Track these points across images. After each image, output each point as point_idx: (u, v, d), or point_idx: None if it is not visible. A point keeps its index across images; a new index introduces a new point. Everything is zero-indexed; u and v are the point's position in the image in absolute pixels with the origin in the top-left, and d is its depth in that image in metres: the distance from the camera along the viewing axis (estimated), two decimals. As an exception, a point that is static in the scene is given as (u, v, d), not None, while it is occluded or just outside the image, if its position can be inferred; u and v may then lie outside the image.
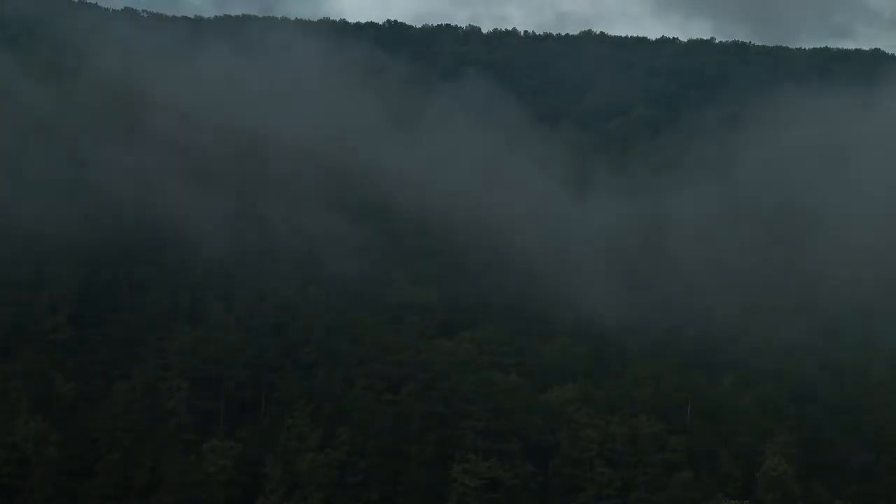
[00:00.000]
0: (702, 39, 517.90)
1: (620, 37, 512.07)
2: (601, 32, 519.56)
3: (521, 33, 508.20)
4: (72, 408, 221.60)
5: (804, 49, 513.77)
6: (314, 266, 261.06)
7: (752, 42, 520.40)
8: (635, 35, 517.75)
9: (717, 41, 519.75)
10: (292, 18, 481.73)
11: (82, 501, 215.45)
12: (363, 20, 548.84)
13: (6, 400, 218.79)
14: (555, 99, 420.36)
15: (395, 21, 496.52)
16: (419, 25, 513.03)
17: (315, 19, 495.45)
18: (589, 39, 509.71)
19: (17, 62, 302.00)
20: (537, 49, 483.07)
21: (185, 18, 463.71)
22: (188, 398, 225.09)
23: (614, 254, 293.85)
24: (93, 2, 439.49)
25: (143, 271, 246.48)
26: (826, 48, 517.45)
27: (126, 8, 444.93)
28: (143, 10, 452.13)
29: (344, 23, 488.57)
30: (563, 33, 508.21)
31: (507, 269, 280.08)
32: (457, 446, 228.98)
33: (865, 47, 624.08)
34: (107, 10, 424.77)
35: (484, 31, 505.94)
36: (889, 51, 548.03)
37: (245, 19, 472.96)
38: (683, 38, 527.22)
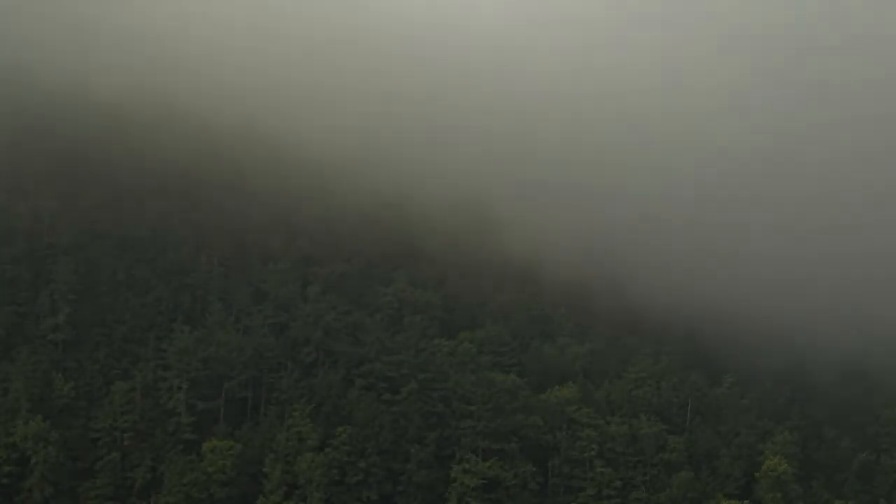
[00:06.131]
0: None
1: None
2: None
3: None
4: (72, 408, 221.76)
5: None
6: (314, 266, 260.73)
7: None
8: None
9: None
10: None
11: (82, 501, 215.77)
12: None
13: (6, 400, 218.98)
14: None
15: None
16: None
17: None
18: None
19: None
20: None
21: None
22: (188, 398, 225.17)
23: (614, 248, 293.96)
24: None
25: (143, 271, 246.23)
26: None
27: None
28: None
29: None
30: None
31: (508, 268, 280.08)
32: (457, 446, 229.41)
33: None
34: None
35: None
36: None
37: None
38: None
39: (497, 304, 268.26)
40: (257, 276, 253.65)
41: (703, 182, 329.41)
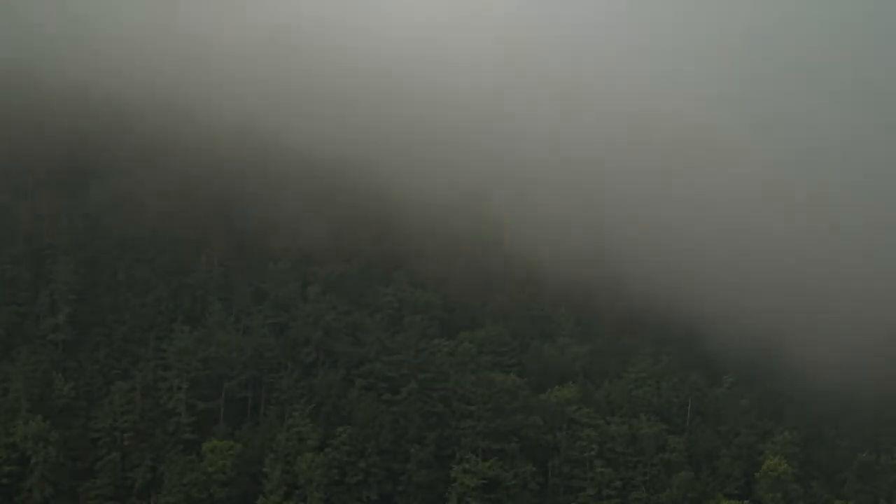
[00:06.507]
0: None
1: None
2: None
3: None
4: (72, 408, 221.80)
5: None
6: (314, 266, 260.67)
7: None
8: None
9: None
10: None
11: (82, 501, 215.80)
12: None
13: (6, 400, 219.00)
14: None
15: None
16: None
17: None
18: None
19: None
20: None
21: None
22: (188, 398, 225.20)
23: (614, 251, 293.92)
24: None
25: (143, 271, 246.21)
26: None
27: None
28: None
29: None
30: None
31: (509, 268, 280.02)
32: (457, 446, 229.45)
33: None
34: None
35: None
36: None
37: None
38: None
39: (497, 304, 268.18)
40: (257, 276, 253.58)
41: (704, 182, 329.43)
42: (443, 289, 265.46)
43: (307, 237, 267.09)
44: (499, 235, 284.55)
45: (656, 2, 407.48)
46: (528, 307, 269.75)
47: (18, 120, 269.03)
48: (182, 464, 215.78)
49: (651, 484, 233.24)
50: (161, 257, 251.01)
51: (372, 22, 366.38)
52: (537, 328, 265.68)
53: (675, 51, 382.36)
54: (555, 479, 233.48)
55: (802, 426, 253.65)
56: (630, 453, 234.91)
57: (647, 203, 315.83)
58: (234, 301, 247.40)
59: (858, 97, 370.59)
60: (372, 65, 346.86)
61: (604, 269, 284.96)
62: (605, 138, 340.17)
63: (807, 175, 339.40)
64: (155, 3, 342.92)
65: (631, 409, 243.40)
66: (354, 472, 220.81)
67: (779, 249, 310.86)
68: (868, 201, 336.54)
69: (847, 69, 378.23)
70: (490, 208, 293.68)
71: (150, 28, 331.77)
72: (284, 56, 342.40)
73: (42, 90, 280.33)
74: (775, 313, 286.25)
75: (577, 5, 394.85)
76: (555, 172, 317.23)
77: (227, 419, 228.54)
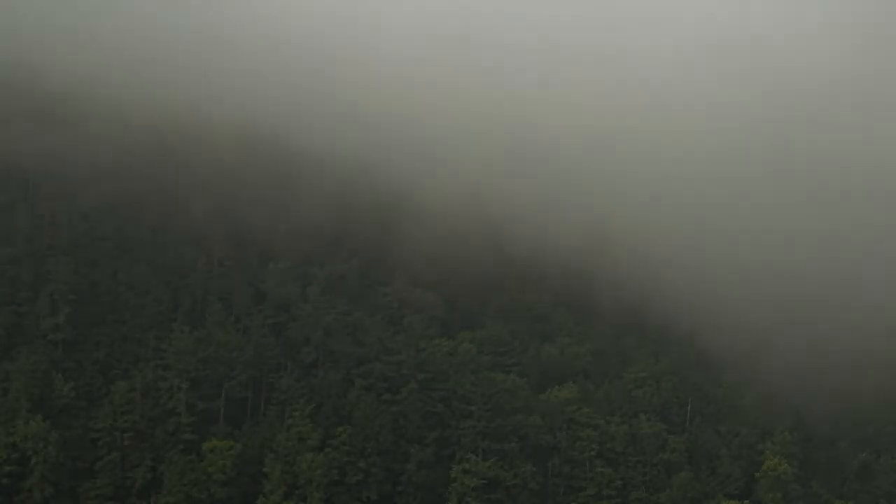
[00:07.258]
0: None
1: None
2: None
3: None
4: (72, 408, 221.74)
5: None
6: (314, 266, 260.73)
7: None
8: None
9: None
10: None
11: (82, 501, 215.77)
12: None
13: (6, 400, 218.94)
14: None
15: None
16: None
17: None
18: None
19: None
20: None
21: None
22: (188, 398, 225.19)
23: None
24: None
25: (143, 271, 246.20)
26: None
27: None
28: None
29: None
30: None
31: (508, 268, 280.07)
32: (457, 446, 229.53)
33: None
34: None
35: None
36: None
37: None
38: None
39: (497, 304, 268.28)
40: (257, 276, 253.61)
41: (704, 183, 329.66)
42: (443, 289, 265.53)
43: (307, 237, 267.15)
44: (499, 235, 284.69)
45: (659, 3, 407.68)
46: (528, 307, 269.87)
47: (18, 120, 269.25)
48: (182, 464, 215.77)
49: (651, 484, 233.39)
50: (161, 257, 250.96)
51: (372, 22, 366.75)
52: (537, 328, 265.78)
53: (675, 51, 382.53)
54: (555, 479, 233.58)
55: (802, 426, 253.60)
56: (630, 453, 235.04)
57: (648, 204, 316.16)
58: (234, 301, 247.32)
59: (858, 98, 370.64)
60: (372, 65, 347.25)
61: (604, 269, 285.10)
62: (606, 139, 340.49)
63: (807, 175, 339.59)
64: (155, 2, 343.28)
65: (631, 409, 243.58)
66: (354, 472, 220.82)
67: (779, 249, 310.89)
68: (868, 201, 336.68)
69: (846, 70, 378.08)
70: (490, 208, 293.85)
71: (150, 28, 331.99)
72: (285, 56, 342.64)
73: (42, 90, 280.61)
74: (776, 313, 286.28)
75: (578, 5, 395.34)
76: (555, 173, 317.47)
77: (227, 419, 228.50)
